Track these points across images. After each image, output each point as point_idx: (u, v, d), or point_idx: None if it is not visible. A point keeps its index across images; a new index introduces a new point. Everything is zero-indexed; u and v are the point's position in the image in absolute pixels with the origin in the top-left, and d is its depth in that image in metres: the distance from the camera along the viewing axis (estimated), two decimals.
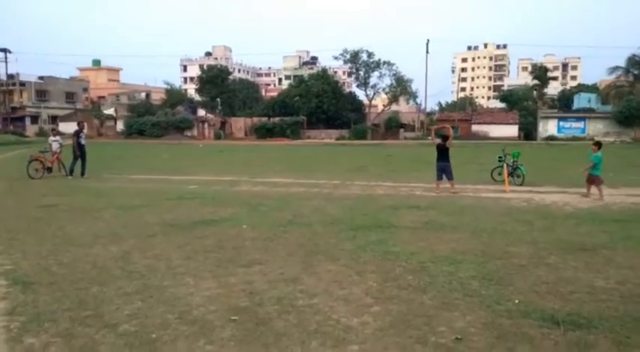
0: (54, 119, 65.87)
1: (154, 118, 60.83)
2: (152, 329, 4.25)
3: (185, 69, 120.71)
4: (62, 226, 8.72)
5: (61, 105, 70.48)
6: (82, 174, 17.52)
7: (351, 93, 69.40)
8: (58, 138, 18.90)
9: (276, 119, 59.88)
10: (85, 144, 18.16)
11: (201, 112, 66.40)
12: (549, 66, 79.54)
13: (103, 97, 78.63)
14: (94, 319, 4.48)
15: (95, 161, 18.67)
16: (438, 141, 14.12)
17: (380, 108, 68.87)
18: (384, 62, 60.65)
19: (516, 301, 4.85)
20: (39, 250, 7.00)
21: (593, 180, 12.60)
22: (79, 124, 19.28)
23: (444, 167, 13.37)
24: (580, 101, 58.87)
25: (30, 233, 8.19)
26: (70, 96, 73.45)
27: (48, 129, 54.94)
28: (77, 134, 18.15)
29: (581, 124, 53.09)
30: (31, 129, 63.78)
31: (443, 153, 13.53)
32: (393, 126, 59.19)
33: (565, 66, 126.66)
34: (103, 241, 7.49)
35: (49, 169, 17.63)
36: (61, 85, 73.24)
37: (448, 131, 14.31)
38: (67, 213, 10.09)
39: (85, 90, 78.16)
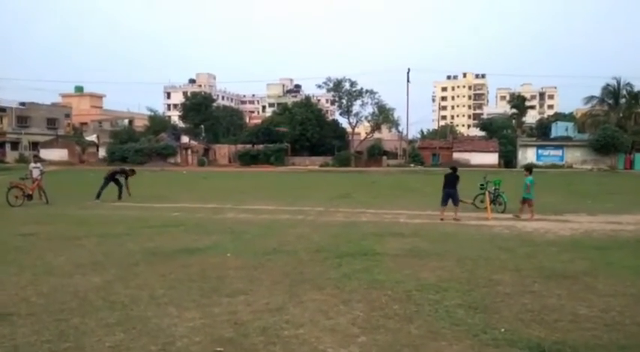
0: (35, 145, 65.06)
1: (137, 145, 60.50)
2: None
3: (169, 96, 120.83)
4: (42, 255, 8.54)
5: (43, 132, 69.72)
6: (119, 197, 18.66)
7: (334, 120, 70.23)
8: (39, 164, 18.66)
9: (260, 146, 60.07)
10: (122, 182, 19.20)
11: (185, 139, 66.22)
12: (527, 95, 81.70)
13: (86, 124, 78.17)
14: (75, 351, 4.37)
15: (76, 188, 18.41)
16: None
17: (363, 135, 69.58)
18: (367, 91, 61.74)
19: (502, 330, 4.86)
20: (17, 280, 6.84)
21: (526, 202, 13.75)
22: (129, 170, 20.37)
23: (452, 193, 13.67)
24: (557, 129, 60.24)
25: (8, 262, 8.00)
26: (51, 123, 72.78)
27: (28, 155, 54.28)
28: (117, 172, 19.68)
29: (559, 152, 54.26)
30: (11, 156, 62.86)
31: (452, 181, 13.84)
32: (375, 153, 59.76)
33: (542, 95, 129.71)
34: (83, 270, 7.35)
35: (30, 196, 17.33)
36: (42, 111, 72.63)
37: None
38: (47, 242, 9.90)
39: (67, 116, 77.59)
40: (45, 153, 55.04)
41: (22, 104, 69.90)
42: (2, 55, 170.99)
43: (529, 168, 15.04)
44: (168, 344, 4.53)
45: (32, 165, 18.74)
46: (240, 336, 4.72)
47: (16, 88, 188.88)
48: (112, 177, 19.05)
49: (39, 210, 15.63)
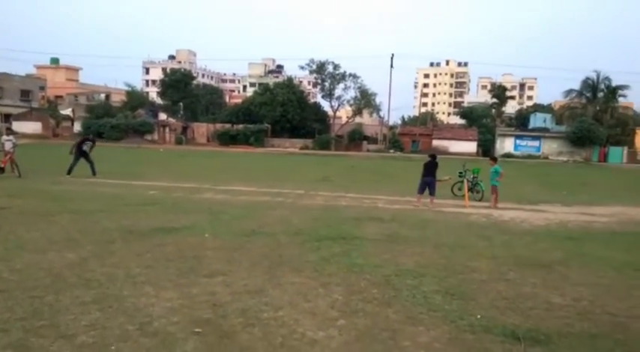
0: (7, 117, 63.21)
1: (114, 120, 59.29)
2: (111, 341, 4.09)
3: (147, 71, 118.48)
4: (14, 230, 8.34)
5: (16, 104, 67.68)
6: (93, 173, 18.40)
7: (316, 103, 69.84)
8: (11, 137, 18.20)
9: (240, 126, 59.49)
10: (87, 150, 18.91)
11: (163, 116, 65.22)
12: (507, 85, 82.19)
13: (61, 97, 76.19)
14: (50, 329, 4.29)
15: (49, 162, 18.03)
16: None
17: (344, 119, 69.48)
18: (350, 74, 61.52)
19: (478, 316, 4.93)
20: None
21: (493, 189, 14.23)
22: (91, 138, 20.64)
23: (430, 182, 13.73)
24: (536, 120, 61.06)
25: None
26: (25, 95, 70.68)
27: (0, 127, 52.78)
28: (82, 141, 19.31)
29: (536, 143, 55.07)
30: None
31: (431, 169, 13.90)
32: (356, 138, 59.78)
33: (522, 86, 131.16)
34: (58, 247, 7.20)
35: (2, 170, 16.93)
36: (15, 83, 70.40)
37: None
38: (20, 216, 9.66)
39: (42, 88, 75.38)
40: (18, 126, 53.48)
41: None
42: None
43: (494, 158, 15.84)
44: (145, 324, 4.48)
45: (4, 137, 18.26)
46: (219, 317, 4.69)
47: None
48: (80, 151, 18.64)
49: (11, 184, 15.26)
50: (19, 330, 4.24)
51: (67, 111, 64.42)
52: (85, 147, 18.87)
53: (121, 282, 5.65)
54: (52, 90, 77.96)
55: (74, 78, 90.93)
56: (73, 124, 62.67)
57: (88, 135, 22.52)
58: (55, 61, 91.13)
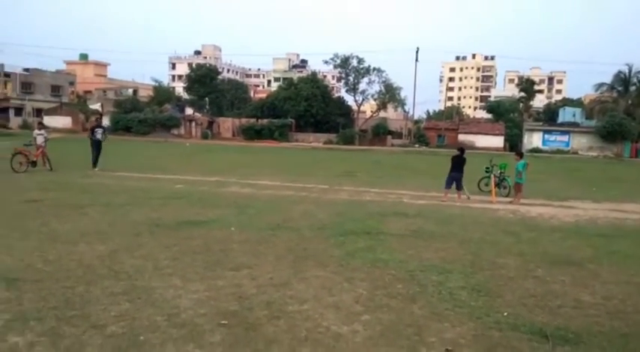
0: (39, 112, 64.84)
1: (141, 115, 60.26)
2: (140, 331, 4.18)
3: (174, 67, 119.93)
4: (47, 222, 8.58)
5: (47, 99, 69.42)
6: (94, 165, 18.35)
7: (340, 98, 69.70)
8: (43, 131, 18.62)
9: (265, 121, 59.80)
10: (102, 139, 18.91)
11: (189, 111, 65.97)
12: (535, 79, 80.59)
13: (90, 92, 77.75)
14: (81, 319, 4.40)
15: (79, 156, 18.45)
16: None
17: (368, 114, 69.25)
18: (374, 69, 61.15)
19: (505, 313, 4.87)
20: (23, 246, 6.87)
21: (519, 186, 13.87)
22: (96, 120, 20.19)
23: (457, 177, 13.62)
24: (565, 115, 59.77)
25: (14, 228, 8.03)
26: (55, 90, 72.42)
27: (32, 121, 54.13)
28: (92, 129, 19.14)
29: (565, 138, 53.91)
30: (14, 122, 62.69)
31: (459, 164, 13.78)
32: (380, 132, 59.47)
33: (551, 79, 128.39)
34: (88, 239, 7.37)
35: (34, 163, 17.36)
36: (47, 78, 72.20)
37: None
38: (52, 209, 9.93)
39: (72, 84, 77.12)
40: (48, 120, 54.69)
41: (27, 70, 69.44)
42: (6, 20, 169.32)
43: (520, 153, 15.45)
44: (173, 315, 4.56)
45: (36, 131, 18.72)
46: (245, 310, 4.75)
47: (20, 54, 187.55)
48: (95, 141, 18.63)
49: (43, 177, 15.66)
50: (52, 319, 4.37)
51: (96, 106, 65.63)
52: (98, 136, 18.81)
53: (150, 274, 5.76)
54: (82, 86, 79.66)
55: (103, 73, 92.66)
56: (101, 119, 63.85)
57: (96, 120, 22.70)
58: (84, 56, 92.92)
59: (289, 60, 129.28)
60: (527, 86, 64.38)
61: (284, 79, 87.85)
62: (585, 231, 9.64)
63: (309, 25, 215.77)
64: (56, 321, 4.33)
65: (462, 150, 14.62)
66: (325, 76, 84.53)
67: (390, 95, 61.53)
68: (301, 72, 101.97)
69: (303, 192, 14.04)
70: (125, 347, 3.91)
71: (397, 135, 61.60)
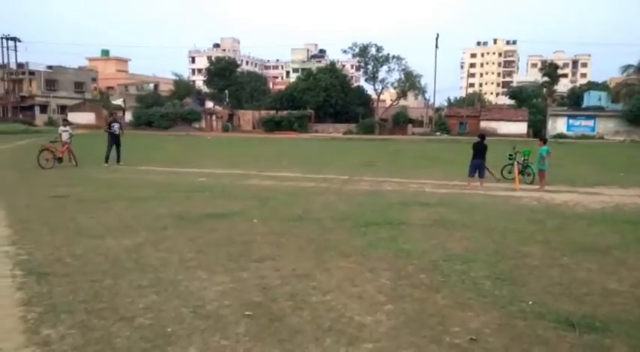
0: (63, 109, 66.11)
1: (163, 109, 60.89)
2: (167, 323, 4.27)
3: (193, 60, 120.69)
4: (74, 217, 8.77)
5: (70, 95, 70.72)
6: (118, 161, 18.51)
7: (359, 87, 69.29)
8: (67, 128, 19.00)
9: (284, 112, 59.84)
10: (120, 133, 18.98)
11: (209, 104, 66.45)
12: (559, 63, 78.85)
13: (112, 88, 78.77)
14: (109, 311, 4.51)
15: (103, 152, 18.76)
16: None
17: (388, 102, 68.76)
18: (393, 56, 60.56)
19: (530, 302, 4.83)
20: (52, 240, 7.05)
21: (542, 174, 13.79)
22: (112, 114, 20.31)
23: (479, 165, 13.53)
24: (590, 99, 58.40)
25: (42, 223, 8.25)
26: (78, 86, 73.68)
27: (57, 118, 55.24)
28: (110, 124, 19.13)
29: (591, 122, 52.74)
30: (40, 119, 64.06)
31: (480, 151, 13.67)
32: (401, 121, 59.07)
33: (575, 63, 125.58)
34: (114, 233, 7.52)
35: (60, 159, 17.73)
36: (69, 75, 73.46)
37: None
38: (78, 204, 10.14)
39: (94, 80, 78.31)
40: (73, 117, 55.70)
41: (50, 67, 70.72)
42: (30, 19, 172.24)
43: (544, 139, 15.20)
44: (198, 306, 4.64)
45: (61, 128, 19.10)
46: (269, 301, 4.80)
47: (43, 52, 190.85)
48: (112, 136, 18.65)
49: (69, 173, 16.00)
50: (82, 312, 4.48)
51: (119, 102, 66.56)
52: (116, 130, 18.77)
53: (175, 267, 5.86)
54: (104, 82, 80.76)
55: (124, 69, 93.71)
56: (124, 114, 64.73)
57: (113, 114, 22.82)
58: (105, 52, 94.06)
59: (307, 50, 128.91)
60: (551, 70, 63.06)
61: (302, 69, 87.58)
62: (612, 217, 9.46)
63: (327, 14, 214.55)
64: (86, 314, 4.44)
65: (482, 136, 14.48)
66: (344, 66, 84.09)
67: (410, 83, 60.96)
68: (320, 62, 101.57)
69: (324, 183, 14.06)
70: (153, 338, 3.99)
71: (418, 123, 61.06)
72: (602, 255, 6.65)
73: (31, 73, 68.27)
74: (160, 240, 7.16)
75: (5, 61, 61.99)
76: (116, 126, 19.10)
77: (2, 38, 60.91)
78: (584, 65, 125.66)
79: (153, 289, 5.09)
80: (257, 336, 4.05)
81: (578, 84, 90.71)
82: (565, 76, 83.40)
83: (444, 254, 6.50)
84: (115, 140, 18.68)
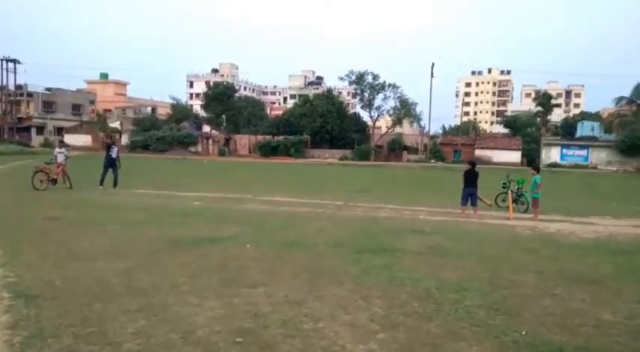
0: (59, 130, 66.20)
1: (159, 133, 61.13)
2: (156, 349, 4.21)
3: (191, 85, 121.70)
4: (66, 239, 8.70)
5: (67, 117, 70.91)
6: (114, 185, 18.25)
7: (355, 114, 69.95)
8: (63, 149, 18.96)
9: (281, 137, 60.18)
10: (117, 157, 18.78)
11: (206, 128, 66.77)
12: (553, 93, 79.89)
13: (110, 110, 79.20)
14: (98, 336, 4.44)
15: (98, 175, 18.71)
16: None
17: (384, 129, 69.24)
18: (389, 84, 61.37)
19: (523, 332, 4.79)
20: (42, 263, 6.98)
21: (535, 202, 13.78)
22: (111, 138, 20.24)
23: (472, 192, 13.56)
24: (583, 129, 59.11)
25: (34, 245, 8.17)
26: (76, 108, 73.95)
27: (53, 140, 55.23)
28: (108, 147, 19.06)
29: (584, 152, 53.21)
30: (36, 140, 64.10)
31: (472, 178, 13.71)
32: (396, 148, 59.44)
33: (568, 93, 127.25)
34: (106, 256, 7.46)
35: (54, 181, 17.65)
36: (68, 97, 73.80)
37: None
38: (71, 226, 10.08)
39: (92, 102, 78.72)
40: (69, 139, 55.80)
41: (48, 89, 71.10)
42: (28, 40, 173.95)
43: (537, 167, 15.20)
44: (189, 332, 4.57)
45: (57, 150, 19.06)
46: (260, 328, 4.74)
47: (42, 75, 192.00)
48: (109, 159, 18.43)
49: (63, 195, 15.92)
50: (69, 336, 4.41)
51: (116, 124, 66.81)
52: (114, 154, 18.58)
53: (166, 291, 5.80)
54: (102, 104, 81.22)
55: (122, 92, 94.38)
56: (120, 137, 64.89)
57: (111, 137, 22.85)
58: (104, 76, 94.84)
59: (305, 77, 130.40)
60: (545, 100, 63.90)
61: (300, 95, 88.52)
62: (605, 247, 9.46)
63: (324, 42, 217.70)
64: (73, 338, 4.37)
65: (472, 163, 14.56)
66: (340, 93, 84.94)
67: (405, 110, 61.58)
68: (317, 88, 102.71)
69: (319, 209, 14.04)
70: None
71: (413, 150, 61.47)
72: (595, 285, 6.63)
73: (29, 94, 68.62)
74: (152, 264, 7.10)
75: (4, 82, 62.26)
76: (115, 149, 19.09)
77: (2, 60, 61.31)
78: (578, 95, 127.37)
79: (143, 314, 5.03)
80: None
81: (571, 114, 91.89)
82: (558, 105, 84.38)
83: (438, 282, 6.46)
84: (111, 163, 18.54)
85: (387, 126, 68.42)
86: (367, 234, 10.06)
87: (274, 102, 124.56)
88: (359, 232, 10.23)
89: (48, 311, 5.03)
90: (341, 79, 63.35)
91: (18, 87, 66.14)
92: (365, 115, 66.45)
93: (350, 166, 45.63)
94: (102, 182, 18.12)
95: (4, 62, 61.45)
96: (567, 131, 66.70)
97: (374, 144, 60.67)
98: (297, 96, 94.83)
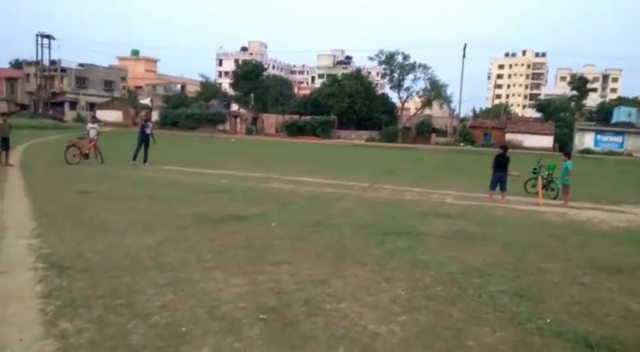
0: (92, 106, 67.44)
1: (188, 110, 61.74)
2: (182, 322, 4.32)
3: (220, 63, 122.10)
4: (97, 213, 8.94)
5: (99, 93, 72.12)
6: (145, 160, 18.61)
7: (383, 95, 69.24)
8: (96, 125, 19.38)
9: (308, 117, 60.10)
10: (151, 133, 19.11)
11: (235, 107, 67.07)
12: (589, 77, 77.54)
13: (140, 87, 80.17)
14: (126, 308, 4.58)
15: (128, 150, 19.07)
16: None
17: (412, 111, 68.45)
18: (420, 65, 60.44)
19: (548, 320, 4.74)
20: (75, 235, 7.19)
21: (566, 189, 13.54)
22: (145, 114, 20.67)
23: (501, 177, 13.38)
24: (620, 115, 57.31)
25: (66, 218, 8.43)
26: (108, 85, 75.11)
27: (86, 115, 56.38)
28: (144, 123, 19.49)
29: (619, 139, 51.69)
30: (69, 115, 65.50)
31: (502, 163, 13.52)
32: (424, 130, 58.76)
33: (605, 77, 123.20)
34: (136, 230, 7.64)
35: (86, 156, 18.10)
36: (100, 73, 74.93)
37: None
38: (102, 201, 10.33)
39: (123, 79, 79.75)
40: (101, 114, 56.72)
41: (81, 65, 72.26)
42: (64, 17, 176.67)
43: (568, 153, 14.90)
44: (214, 308, 4.67)
45: (90, 125, 19.48)
46: (284, 305, 4.81)
47: (75, 50, 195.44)
48: (143, 136, 18.70)
49: (94, 169, 16.30)
50: (99, 308, 4.56)
51: (146, 101, 67.69)
52: (148, 130, 18.84)
53: (193, 267, 5.92)
54: (132, 81, 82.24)
55: (153, 69, 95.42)
56: (151, 113, 65.82)
57: (146, 114, 23.13)
58: (135, 53, 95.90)
59: (334, 56, 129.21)
60: (580, 84, 62.06)
61: (328, 75, 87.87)
62: (637, 237, 9.23)
63: (354, 21, 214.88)
64: (103, 309, 4.52)
65: (504, 148, 14.29)
66: (369, 73, 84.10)
67: (435, 92, 60.67)
68: (345, 68, 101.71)
69: (344, 190, 14.04)
70: (167, 337, 4.04)
71: (442, 133, 60.64)
72: (625, 275, 6.49)
73: (63, 70, 69.84)
74: (179, 239, 7.24)
75: (39, 57, 63.54)
76: (150, 125, 19.45)
77: (37, 35, 62.51)
78: (615, 80, 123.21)
79: (170, 288, 5.15)
80: (270, 341, 4.06)
81: (607, 99, 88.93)
82: (594, 90, 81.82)
83: (462, 266, 6.42)
84: (145, 140, 18.85)
85: (415, 108, 67.66)
86: (392, 216, 10.03)
87: (302, 82, 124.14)
88: (384, 214, 10.21)
89: (79, 283, 5.20)
90: (370, 58, 62.62)
91: (52, 62, 67.35)
92: (394, 96, 65.83)
93: (377, 148, 45.37)
94: (135, 157, 18.48)
95: (40, 37, 62.67)
96: (603, 116, 64.75)
97: (402, 126, 60.06)
98: (325, 76, 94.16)
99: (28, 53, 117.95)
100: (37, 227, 7.65)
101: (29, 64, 69.83)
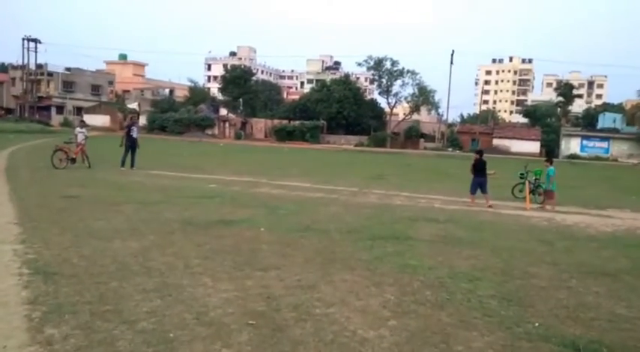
0: (79, 110, 66.97)
1: (177, 115, 61.48)
2: (170, 328, 4.27)
3: (209, 68, 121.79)
4: (84, 218, 8.84)
5: (87, 97, 71.61)
6: (132, 165, 18.39)
7: (372, 100, 69.53)
8: (83, 129, 19.22)
9: (297, 122, 60.14)
10: (138, 137, 18.93)
11: (223, 112, 66.92)
12: (575, 83, 78.49)
13: (128, 91, 79.76)
14: (113, 314, 4.52)
15: (115, 155, 18.92)
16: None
17: (401, 116, 68.72)
18: (408, 71, 60.69)
19: (536, 324, 4.77)
20: (61, 241, 7.11)
21: (548, 193, 13.65)
22: (131, 118, 20.39)
23: (481, 182, 13.46)
24: (605, 120, 58.05)
25: (52, 223, 8.32)
26: (95, 89, 74.58)
27: (72, 119, 55.92)
28: (129, 127, 19.24)
29: (604, 144, 52.37)
30: (56, 119, 64.91)
31: (480, 167, 13.60)
32: (413, 135, 59.05)
33: (591, 84, 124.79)
34: (123, 235, 7.57)
35: (73, 160, 17.91)
36: (87, 77, 74.43)
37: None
38: (89, 205, 10.22)
39: (111, 83, 79.29)
40: (88, 119, 56.05)
41: (68, 69, 71.73)
42: (50, 21, 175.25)
43: (550, 159, 14.83)
44: (202, 313, 4.63)
45: (77, 129, 19.32)
46: (272, 311, 4.79)
47: (62, 54, 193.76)
48: (130, 140, 18.54)
49: (81, 174, 16.15)
50: (86, 313, 4.50)
51: (134, 105, 67.30)
52: (134, 134, 18.69)
53: (181, 272, 5.87)
54: (120, 85, 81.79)
55: (141, 73, 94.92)
56: (138, 118, 65.39)
57: (132, 118, 22.93)
58: (123, 56, 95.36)
59: (322, 61, 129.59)
60: (566, 90, 62.83)
61: (317, 80, 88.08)
62: (623, 241, 9.33)
63: (343, 27, 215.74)
64: (90, 315, 4.46)
65: (480, 152, 14.38)
66: (358, 78, 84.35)
67: (423, 98, 60.99)
68: (334, 73, 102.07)
69: (333, 195, 14.05)
70: (155, 343, 3.99)
71: (430, 138, 61.01)
72: (611, 279, 6.55)
73: (50, 74, 69.28)
74: (167, 244, 7.19)
75: (25, 61, 62.93)
76: (135, 129, 19.24)
77: (23, 39, 61.94)
78: (600, 86, 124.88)
79: (157, 293, 5.10)
80: (259, 346, 4.03)
81: (593, 105, 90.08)
82: (580, 96, 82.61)
83: (451, 271, 6.45)
84: (132, 144, 18.68)
85: (404, 114, 67.92)
86: (380, 221, 10.05)
87: (291, 87, 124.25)
88: (372, 219, 10.23)
89: (65, 288, 5.13)
90: (359, 64, 62.80)
91: (38, 66, 66.82)
92: (382, 102, 66.07)
93: (365, 153, 45.47)
94: (123, 163, 18.33)
95: (26, 41, 62.10)
96: (588, 122, 65.54)
97: (390, 131, 60.31)
98: (314, 81, 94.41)
99: (13, 57, 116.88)
100: (22, 232, 7.54)
101: (15, 67, 69.28)
